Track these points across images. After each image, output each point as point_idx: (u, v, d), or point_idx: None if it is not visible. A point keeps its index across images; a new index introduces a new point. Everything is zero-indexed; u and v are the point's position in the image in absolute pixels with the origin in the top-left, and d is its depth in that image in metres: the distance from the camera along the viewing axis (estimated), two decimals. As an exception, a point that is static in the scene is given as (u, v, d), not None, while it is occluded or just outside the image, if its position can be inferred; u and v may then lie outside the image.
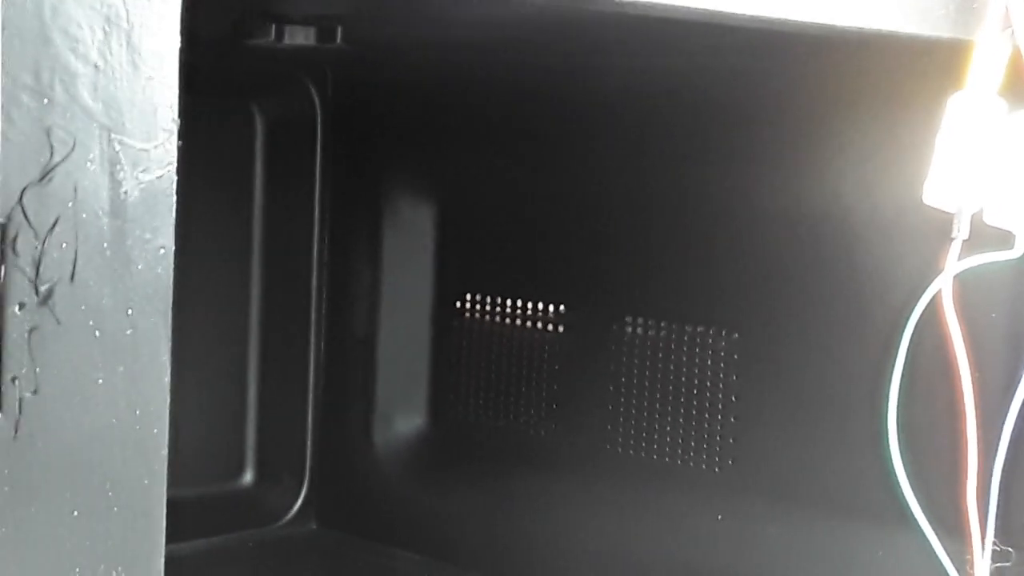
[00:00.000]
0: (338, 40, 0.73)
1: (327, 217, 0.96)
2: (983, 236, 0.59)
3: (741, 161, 0.78)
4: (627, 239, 0.84)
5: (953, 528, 0.60)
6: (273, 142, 0.95)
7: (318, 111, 0.95)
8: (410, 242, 0.95)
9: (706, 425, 0.81)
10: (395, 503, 0.96)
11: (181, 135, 0.39)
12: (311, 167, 0.96)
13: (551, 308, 0.89)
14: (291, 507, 0.97)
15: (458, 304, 0.93)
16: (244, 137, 0.94)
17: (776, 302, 0.77)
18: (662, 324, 0.83)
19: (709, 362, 0.81)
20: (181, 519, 0.48)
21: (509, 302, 0.90)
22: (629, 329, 0.84)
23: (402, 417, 0.96)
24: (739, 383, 0.79)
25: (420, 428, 0.96)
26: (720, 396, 0.80)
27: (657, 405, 0.83)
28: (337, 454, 0.97)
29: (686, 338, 0.82)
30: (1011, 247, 0.58)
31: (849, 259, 0.73)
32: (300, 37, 0.73)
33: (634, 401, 0.84)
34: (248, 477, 0.97)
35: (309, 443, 0.97)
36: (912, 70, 0.65)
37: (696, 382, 0.81)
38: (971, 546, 0.60)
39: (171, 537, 0.40)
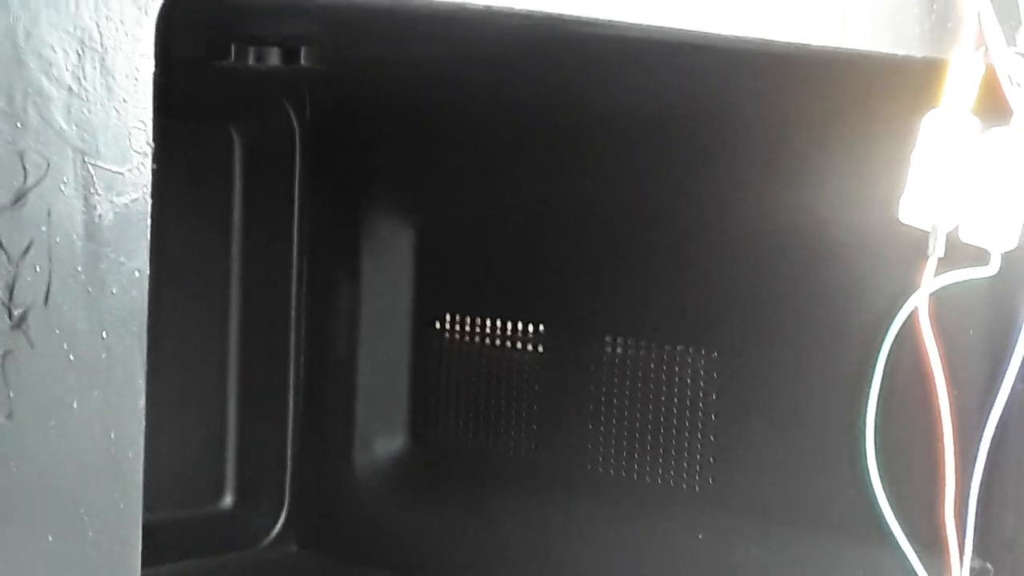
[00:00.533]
0: (314, 61, 0.73)
1: (306, 238, 0.96)
2: (959, 254, 0.59)
3: (718, 181, 0.78)
4: (606, 259, 0.84)
5: (932, 545, 0.60)
6: (251, 163, 0.95)
7: (296, 132, 0.95)
8: (389, 263, 0.95)
9: (686, 444, 0.81)
10: (376, 525, 0.95)
11: (157, 158, 0.39)
12: (290, 188, 0.96)
13: (531, 328, 0.89)
14: (271, 530, 0.97)
15: (437, 324, 0.93)
16: (222, 158, 0.94)
17: (754, 321, 0.77)
18: (641, 344, 0.83)
19: (689, 381, 0.81)
20: (161, 542, 0.48)
21: (489, 322, 0.90)
22: (609, 349, 0.84)
23: (382, 439, 0.96)
24: (718, 402, 0.79)
25: (400, 450, 0.95)
26: (700, 415, 0.80)
27: (637, 424, 0.83)
28: (317, 476, 0.97)
29: (665, 357, 0.82)
30: (987, 264, 0.58)
31: (826, 277, 0.73)
32: (275, 58, 0.73)
33: (614, 421, 0.84)
34: (228, 500, 0.96)
35: (289, 466, 0.97)
36: (887, 88, 0.66)
37: (676, 401, 0.81)
38: (949, 563, 0.60)
39: (151, 561, 0.40)
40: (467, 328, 0.91)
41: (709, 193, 0.79)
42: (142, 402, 0.38)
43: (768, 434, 0.76)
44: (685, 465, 0.81)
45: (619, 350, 0.84)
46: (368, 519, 0.96)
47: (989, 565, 0.64)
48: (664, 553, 0.81)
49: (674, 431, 0.81)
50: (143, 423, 0.38)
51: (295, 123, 0.95)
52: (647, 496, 0.82)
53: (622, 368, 0.83)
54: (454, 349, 0.92)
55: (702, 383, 0.80)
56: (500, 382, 0.90)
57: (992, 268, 0.58)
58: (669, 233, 0.81)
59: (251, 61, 0.74)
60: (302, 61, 0.73)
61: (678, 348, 0.81)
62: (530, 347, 0.89)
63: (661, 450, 0.82)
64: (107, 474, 0.38)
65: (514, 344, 0.89)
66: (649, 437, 0.82)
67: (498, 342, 0.90)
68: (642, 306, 0.83)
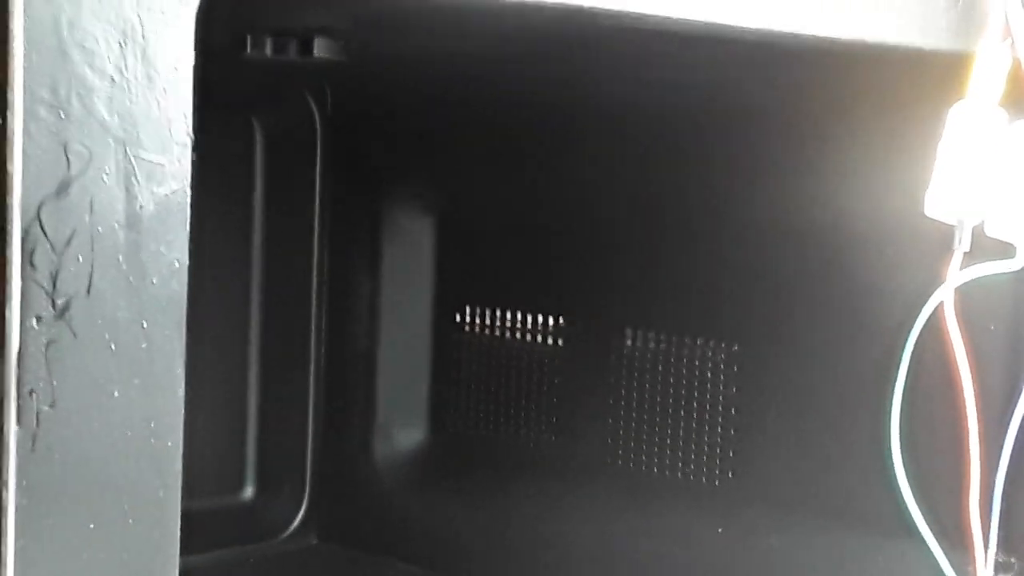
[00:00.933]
0: (336, 53, 0.73)
1: (327, 230, 0.97)
2: (984, 248, 0.59)
3: (742, 173, 0.78)
4: (627, 252, 0.84)
5: (956, 539, 0.60)
6: (273, 155, 0.95)
7: (317, 124, 0.95)
8: (410, 255, 0.95)
9: (706, 438, 0.81)
10: (396, 516, 0.96)
11: (194, 149, 0.39)
12: (311, 180, 0.96)
13: (551, 321, 0.89)
14: (292, 521, 0.97)
15: (458, 317, 0.93)
16: (244, 150, 0.94)
17: (776, 314, 0.77)
18: (662, 336, 0.83)
19: (709, 374, 0.81)
20: (182, 533, 0.48)
21: (509, 315, 0.91)
22: (629, 342, 0.84)
23: (402, 430, 0.96)
24: (739, 395, 0.79)
25: (420, 441, 0.96)
26: (720, 408, 0.80)
27: (657, 418, 0.83)
28: (338, 468, 0.97)
29: (686, 350, 0.82)
30: (1012, 258, 0.59)
31: (850, 270, 0.73)
32: (297, 50, 0.73)
33: (634, 414, 0.84)
34: (249, 491, 0.97)
35: (310, 457, 0.97)
36: (913, 81, 0.66)
37: (696, 394, 0.81)
38: (974, 557, 0.60)
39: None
40: (487, 321, 0.92)
41: (732, 187, 0.79)
42: (181, 391, 0.39)
43: (789, 428, 0.77)
44: (704, 459, 0.81)
45: (639, 343, 0.84)
46: (388, 510, 0.96)
47: (1014, 559, 0.64)
48: (683, 546, 0.81)
49: (694, 424, 0.81)
50: (182, 412, 0.39)
51: (316, 114, 0.95)
52: (666, 489, 0.82)
53: (641, 361, 0.84)
54: (474, 341, 0.92)
55: (722, 376, 0.80)
56: (520, 374, 0.90)
57: (1018, 262, 0.58)
58: (690, 226, 0.81)
59: (273, 52, 0.74)
60: (324, 53, 0.73)
61: (698, 341, 0.81)
62: (550, 340, 0.89)
63: (680, 443, 0.82)
64: (147, 462, 0.38)
65: (534, 337, 0.90)
66: (668, 430, 0.82)
67: (518, 335, 0.90)
68: (662, 299, 0.83)
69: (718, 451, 0.80)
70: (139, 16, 0.37)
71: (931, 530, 0.60)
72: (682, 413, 0.82)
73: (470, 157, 0.92)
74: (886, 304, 0.71)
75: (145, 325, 0.38)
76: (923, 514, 0.60)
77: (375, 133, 0.95)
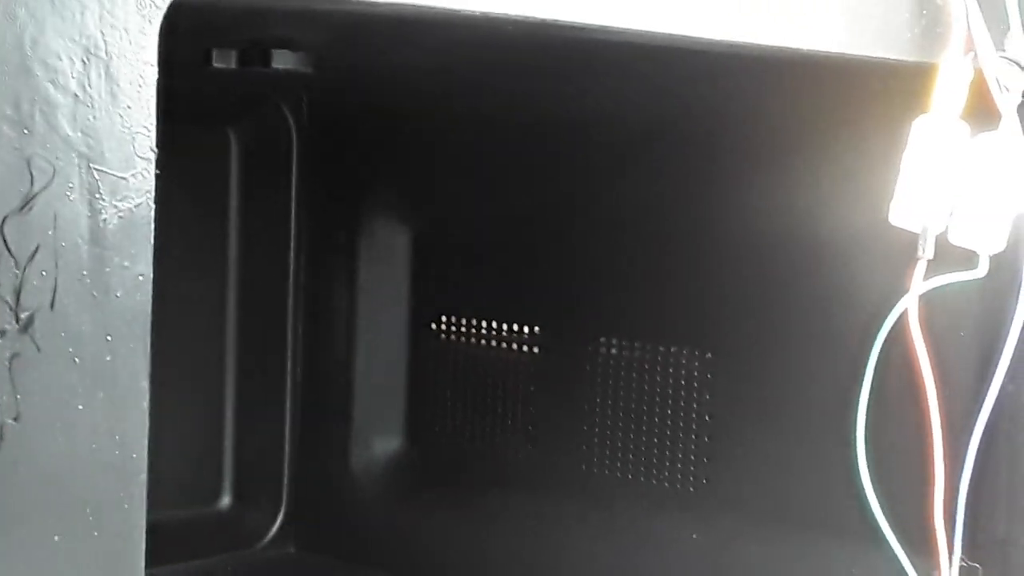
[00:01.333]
0: (311, 66, 0.73)
1: (303, 240, 0.97)
2: (948, 256, 0.59)
3: (712, 184, 0.79)
4: (601, 261, 0.85)
5: (921, 545, 0.61)
6: (249, 166, 0.95)
7: (294, 135, 0.96)
8: (386, 265, 0.96)
9: (680, 444, 0.81)
10: (373, 525, 0.96)
11: (158, 163, 0.39)
12: (287, 191, 0.96)
13: (526, 329, 0.89)
14: (269, 530, 0.97)
15: (434, 326, 0.94)
16: (220, 161, 0.95)
17: (748, 322, 0.78)
18: (636, 344, 0.83)
19: (683, 382, 0.81)
20: (159, 543, 0.48)
21: (484, 324, 0.91)
22: (604, 350, 0.85)
23: (379, 439, 0.96)
24: (712, 402, 0.80)
25: (397, 450, 0.96)
26: (694, 415, 0.81)
27: (632, 425, 0.83)
28: (315, 477, 0.98)
29: (660, 358, 0.82)
30: (975, 267, 0.59)
31: (818, 279, 0.74)
32: (272, 62, 0.73)
33: (609, 421, 0.84)
34: (226, 500, 0.97)
35: (287, 466, 0.97)
36: (878, 92, 0.66)
37: (670, 402, 0.82)
38: (939, 563, 0.60)
39: (150, 561, 0.40)
40: (463, 329, 0.92)
41: (702, 196, 0.79)
42: (146, 403, 0.39)
43: (761, 434, 0.77)
44: (679, 465, 0.81)
45: (613, 351, 0.84)
46: (366, 519, 0.96)
47: (978, 565, 0.65)
48: (658, 553, 0.82)
49: (668, 432, 0.82)
50: (147, 424, 0.39)
51: (292, 126, 0.96)
52: (642, 496, 0.83)
53: (616, 369, 0.84)
54: (451, 350, 0.93)
55: (696, 384, 0.81)
56: (496, 383, 0.91)
57: (981, 271, 0.59)
58: (662, 236, 0.81)
59: (248, 65, 0.75)
60: (299, 65, 0.74)
61: (672, 349, 0.82)
62: (525, 348, 0.89)
63: (655, 450, 0.82)
64: (112, 474, 0.38)
65: (510, 345, 0.90)
66: (644, 438, 0.83)
67: (494, 343, 0.91)
68: (636, 308, 0.83)
69: (692, 458, 0.81)
70: (102, 33, 0.37)
71: (897, 536, 0.60)
72: (656, 420, 0.82)
73: (445, 168, 0.92)
74: (854, 311, 0.71)
75: (109, 339, 0.38)
76: (889, 520, 0.60)
77: (351, 144, 0.96)
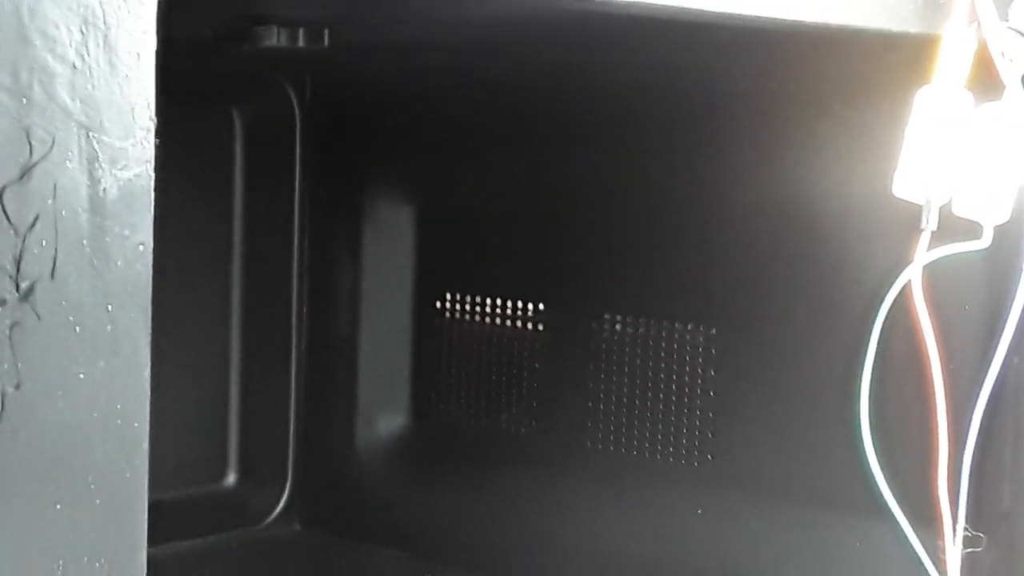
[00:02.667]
0: (315, 44, 0.73)
1: (307, 219, 0.97)
2: (952, 227, 0.59)
3: (714, 157, 0.79)
4: (604, 238, 0.85)
5: (926, 516, 0.61)
6: (252, 145, 0.95)
7: (297, 114, 0.96)
8: (390, 243, 0.96)
9: (685, 420, 0.81)
10: (378, 503, 0.96)
11: (159, 136, 0.39)
12: (291, 169, 0.96)
13: (530, 307, 0.89)
14: (274, 508, 0.97)
15: (438, 304, 0.94)
16: (223, 140, 0.95)
17: (751, 297, 0.78)
18: (640, 321, 0.83)
19: (687, 358, 0.81)
20: (164, 521, 0.48)
21: (489, 301, 0.91)
22: (608, 327, 0.85)
23: (384, 417, 0.96)
24: (717, 378, 0.80)
25: (402, 428, 0.96)
26: (699, 391, 0.81)
27: (636, 401, 0.83)
28: (320, 455, 0.98)
29: (664, 334, 0.82)
30: (979, 238, 0.59)
31: (821, 252, 0.74)
32: (276, 40, 0.73)
33: (614, 397, 0.85)
34: (231, 478, 0.97)
35: (292, 444, 0.97)
36: (880, 64, 0.66)
37: (675, 378, 0.82)
38: (943, 532, 0.60)
39: (154, 539, 0.40)
40: (468, 307, 0.92)
41: (705, 170, 0.79)
42: (147, 373, 0.39)
43: (766, 409, 0.77)
44: (684, 441, 0.82)
45: (618, 327, 0.84)
46: (371, 497, 0.97)
47: (982, 534, 0.65)
48: (664, 528, 0.82)
49: (673, 407, 0.82)
50: (148, 393, 0.39)
51: (295, 104, 0.96)
52: (647, 472, 0.83)
53: (621, 345, 0.84)
54: (455, 328, 0.93)
55: (700, 359, 0.81)
56: (501, 360, 0.91)
57: (985, 241, 0.59)
58: (666, 211, 0.81)
59: (252, 43, 0.74)
60: (302, 43, 0.74)
61: (676, 325, 0.82)
62: (530, 325, 0.89)
63: (660, 426, 0.82)
64: (113, 443, 0.38)
65: (514, 323, 0.90)
66: (648, 414, 0.83)
67: (499, 321, 0.91)
68: (640, 284, 0.83)
69: (697, 433, 0.81)
70: (100, 3, 0.37)
71: (901, 507, 0.60)
72: (662, 396, 0.82)
73: (450, 145, 0.92)
74: (857, 284, 0.71)
75: (110, 308, 0.38)
76: (894, 493, 0.60)
77: (355, 122, 0.96)
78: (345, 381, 0.97)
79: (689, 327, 0.81)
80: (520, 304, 0.90)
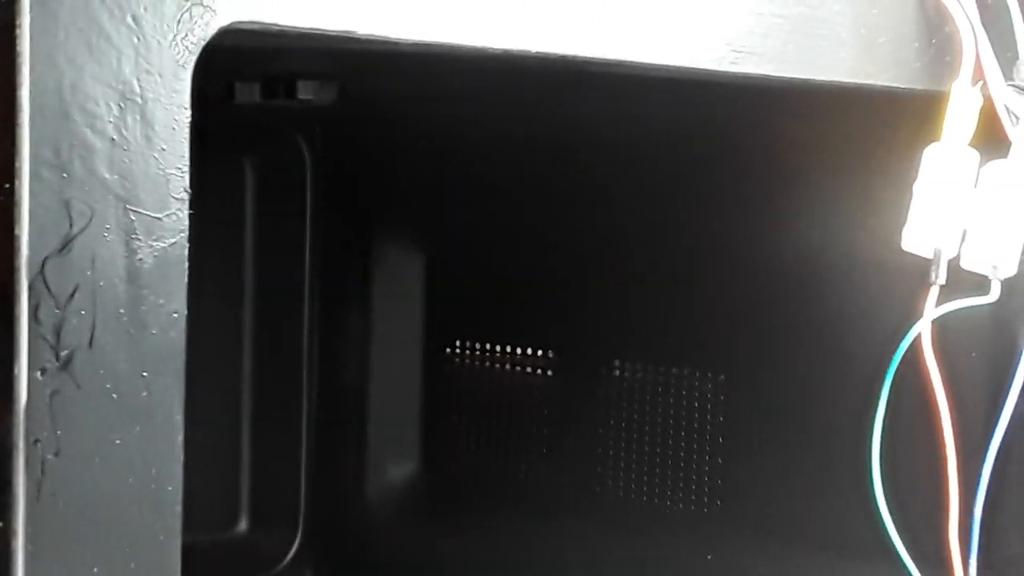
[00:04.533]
0: (326, 97, 0.74)
1: (318, 267, 0.98)
2: (960, 281, 0.60)
3: (725, 208, 0.79)
4: (613, 285, 0.85)
5: (937, 564, 0.62)
6: (263, 195, 0.96)
7: (307, 164, 0.96)
8: (400, 290, 0.96)
9: (694, 466, 0.82)
10: (389, 549, 0.96)
11: (191, 203, 0.40)
12: (301, 219, 0.97)
13: (540, 353, 0.90)
14: (286, 555, 0.98)
15: (448, 351, 0.94)
16: (235, 190, 0.96)
17: (761, 345, 0.78)
18: (649, 367, 0.84)
19: (696, 404, 0.82)
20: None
21: (499, 348, 0.92)
22: (617, 373, 0.85)
23: (394, 464, 0.97)
24: (725, 424, 0.80)
25: (413, 474, 0.96)
26: (707, 437, 0.81)
27: (646, 447, 0.84)
28: (331, 501, 0.98)
29: (673, 381, 0.83)
30: (987, 292, 0.60)
31: (832, 303, 0.74)
32: (287, 94, 0.74)
33: (623, 443, 0.85)
34: (243, 525, 0.97)
35: (303, 491, 0.98)
36: (889, 120, 0.67)
37: (683, 424, 0.82)
38: (955, 582, 0.61)
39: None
40: (478, 353, 0.93)
41: (717, 221, 0.80)
42: (180, 438, 0.40)
43: (775, 456, 0.78)
44: (693, 487, 0.82)
45: (627, 374, 0.85)
46: (381, 543, 0.97)
47: (994, 583, 0.66)
48: (674, 573, 0.82)
49: (682, 453, 0.82)
50: (181, 458, 0.40)
51: (306, 154, 0.96)
52: (656, 518, 0.83)
53: (630, 391, 0.85)
54: (465, 374, 0.93)
55: (709, 406, 0.81)
56: (510, 406, 0.91)
57: (993, 295, 0.60)
58: (677, 260, 0.82)
59: (263, 97, 0.75)
60: (314, 97, 0.75)
61: (685, 372, 0.82)
62: (540, 371, 0.90)
63: (669, 472, 0.83)
64: (148, 507, 0.39)
65: (524, 369, 0.91)
66: (658, 459, 0.83)
67: (508, 367, 0.91)
68: (650, 331, 0.84)
69: (706, 479, 0.81)
70: (137, 79, 0.38)
71: (912, 556, 0.61)
72: (670, 442, 0.83)
73: (459, 194, 0.93)
74: (867, 335, 0.72)
75: (145, 375, 0.39)
76: (904, 540, 0.61)
77: (365, 172, 0.97)
78: (355, 428, 0.97)
79: (698, 374, 0.82)
80: (530, 351, 0.90)
